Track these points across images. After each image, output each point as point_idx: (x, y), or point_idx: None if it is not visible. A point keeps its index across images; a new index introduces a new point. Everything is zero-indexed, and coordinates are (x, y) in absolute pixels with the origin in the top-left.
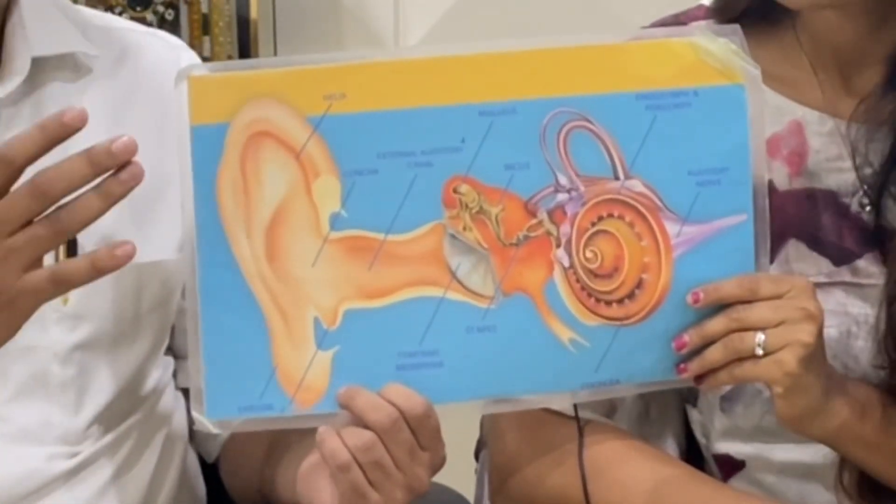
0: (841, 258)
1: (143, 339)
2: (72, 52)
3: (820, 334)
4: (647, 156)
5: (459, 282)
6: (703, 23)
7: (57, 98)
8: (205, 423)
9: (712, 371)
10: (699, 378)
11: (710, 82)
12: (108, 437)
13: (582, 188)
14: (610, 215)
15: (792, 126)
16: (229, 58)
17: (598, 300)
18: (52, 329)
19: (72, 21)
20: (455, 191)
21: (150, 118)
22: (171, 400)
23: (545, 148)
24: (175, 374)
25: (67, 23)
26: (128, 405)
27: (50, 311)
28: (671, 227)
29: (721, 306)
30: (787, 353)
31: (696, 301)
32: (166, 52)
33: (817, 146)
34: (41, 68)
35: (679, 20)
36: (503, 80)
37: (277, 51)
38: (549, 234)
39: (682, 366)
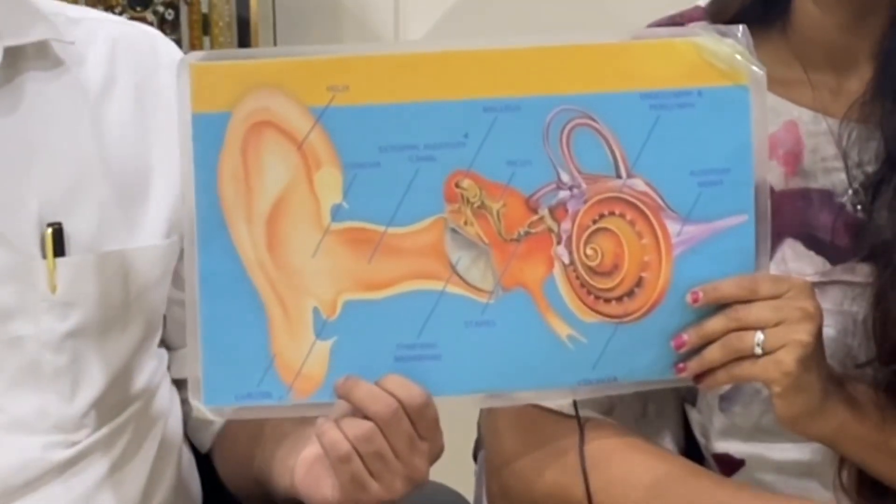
0: (837, 257)
1: (134, 326)
2: (47, 42)
3: (818, 334)
4: (650, 155)
5: (459, 276)
6: (702, 23)
7: (34, 87)
8: (202, 410)
9: (711, 370)
10: (698, 377)
11: (714, 83)
12: (105, 429)
13: (584, 186)
14: (611, 213)
15: (788, 126)
16: None
17: (597, 297)
18: (42, 318)
19: (46, 13)
20: (457, 185)
21: (130, 106)
22: (167, 394)
23: (548, 145)
24: (169, 367)
25: (40, 14)
26: (123, 396)
27: (39, 300)
28: (672, 227)
29: (720, 306)
30: (785, 353)
31: (695, 300)
32: (142, 39)
33: (812, 146)
34: (17, 58)
35: (675, 21)
36: (508, 76)
37: None
38: (549, 230)
39: (680, 365)
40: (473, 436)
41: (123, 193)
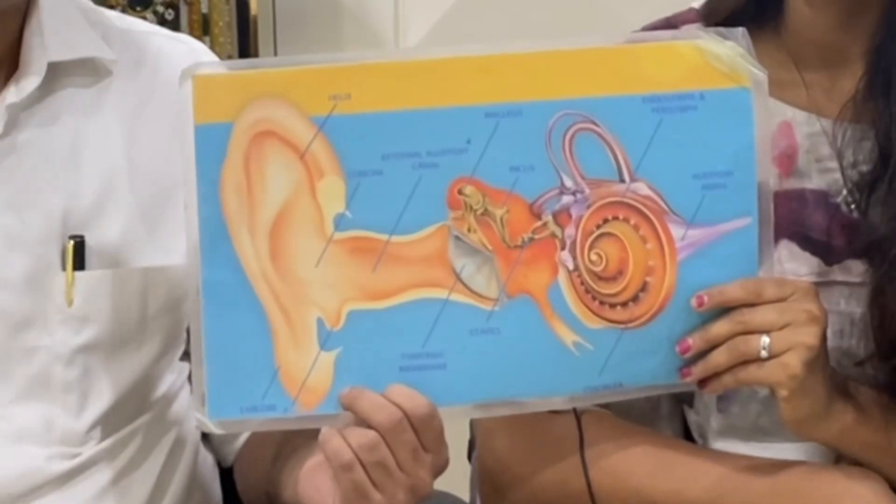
0: (832, 257)
1: (151, 343)
2: (91, 57)
3: (823, 337)
4: (653, 159)
5: (464, 283)
6: (697, 25)
7: (72, 103)
8: (206, 423)
9: (716, 375)
10: (703, 382)
11: (716, 86)
12: (111, 440)
13: (587, 190)
14: (615, 218)
15: (782, 127)
16: (229, 58)
17: (602, 303)
18: (56, 330)
19: (92, 24)
20: (460, 192)
21: (166, 123)
22: (184, 403)
23: (551, 150)
24: (190, 379)
25: (87, 27)
26: (134, 408)
27: (54, 312)
28: (676, 231)
29: (725, 309)
30: (791, 356)
31: (700, 304)
32: (188, 56)
33: (806, 146)
34: (58, 72)
35: (670, 23)
36: (509, 81)
37: (277, 51)
38: (553, 236)
39: (685, 369)
40: (467, 436)
41: (150, 211)
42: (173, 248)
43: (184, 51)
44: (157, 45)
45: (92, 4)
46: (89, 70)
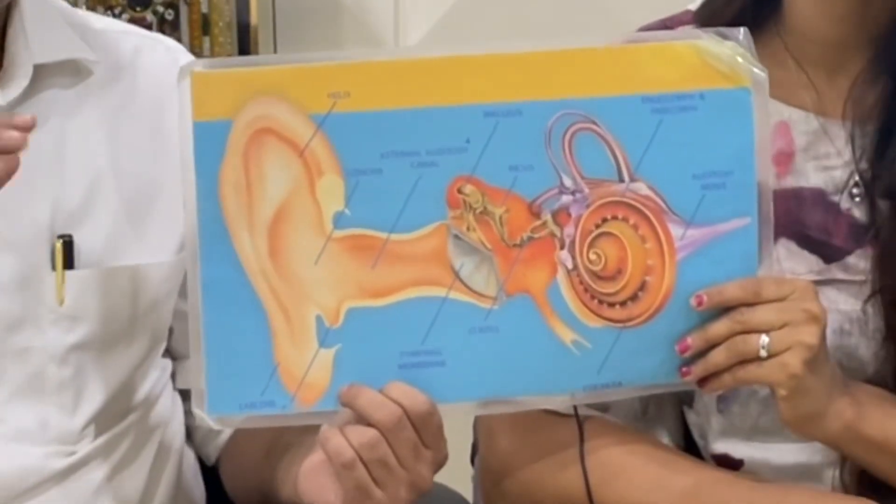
0: (831, 256)
1: (140, 340)
2: (73, 58)
3: (823, 336)
4: (653, 158)
5: (462, 282)
6: (689, 27)
7: (55, 104)
8: (206, 419)
9: (715, 374)
10: (702, 381)
11: (716, 86)
12: (105, 437)
13: (586, 190)
14: (614, 217)
15: (779, 127)
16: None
17: (601, 302)
18: (48, 330)
19: (72, 25)
20: (459, 191)
21: (147, 121)
22: (168, 402)
23: (550, 149)
24: (174, 376)
25: (68, 28)
26: (125, 406)
27: (46, 312)
28: (675, 230)
29: (724, 309)
30: (791, 356)
31: (699, 304)
32: (164, 55)
33: (804, 145)
34: (41, 74)
35: (666, 25)
36: (509, 81)
37: (277, 51)
38: (552, 235)
39: (684, 369)
40: (471, 438)
41: (135, 208)
42: (159, 246)
43: (161, 50)
44: (134, 45)
45: (68, 5)
46: (71, 71)
